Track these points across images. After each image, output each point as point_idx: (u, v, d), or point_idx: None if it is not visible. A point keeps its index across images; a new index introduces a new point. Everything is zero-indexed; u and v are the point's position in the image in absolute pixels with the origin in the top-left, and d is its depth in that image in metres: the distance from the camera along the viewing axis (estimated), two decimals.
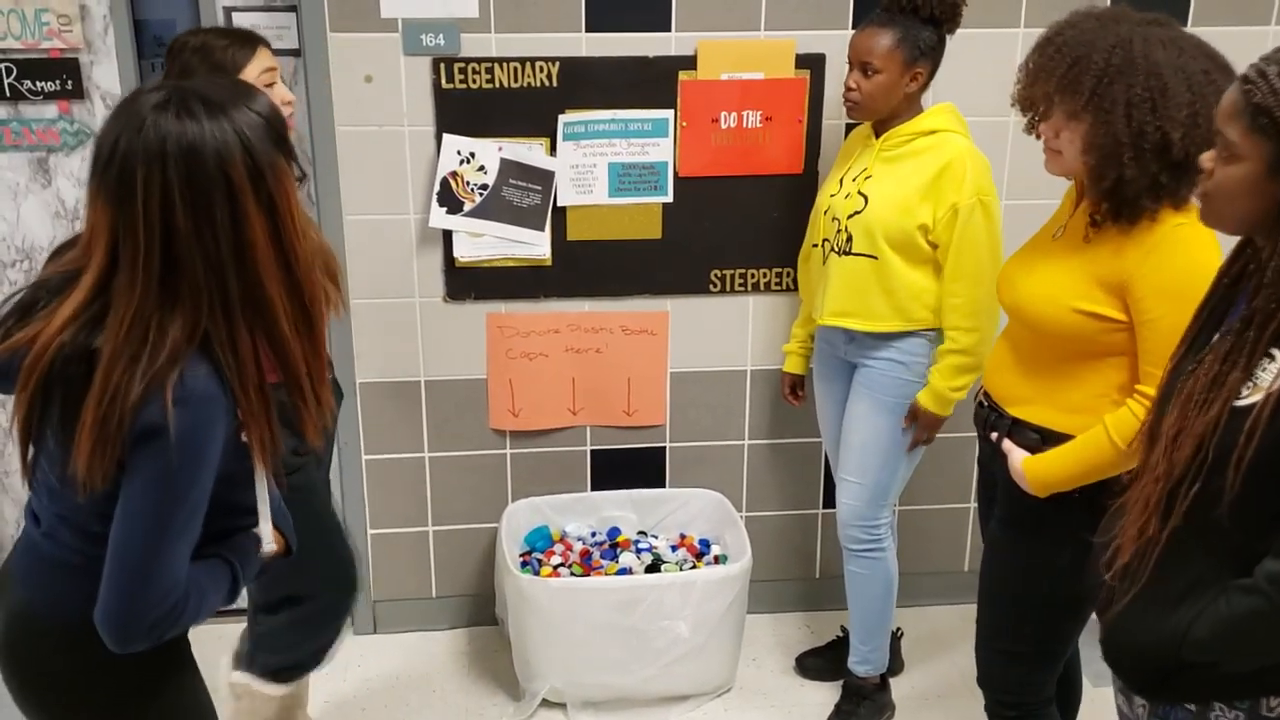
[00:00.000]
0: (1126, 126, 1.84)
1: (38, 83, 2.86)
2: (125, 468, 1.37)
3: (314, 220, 2.43)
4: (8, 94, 2.86)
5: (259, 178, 1.36)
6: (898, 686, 3.04)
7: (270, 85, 2.22)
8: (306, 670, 2.60)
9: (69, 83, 2.86)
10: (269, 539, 1.59)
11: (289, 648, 2.53)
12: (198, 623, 1.50)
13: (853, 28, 2.87)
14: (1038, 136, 2.04)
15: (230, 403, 1.40)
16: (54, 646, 1.54)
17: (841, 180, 2.67)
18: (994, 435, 2.14)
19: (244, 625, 2.63)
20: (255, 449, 1.45)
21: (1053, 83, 1.91)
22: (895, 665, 3.08)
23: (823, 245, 2.70)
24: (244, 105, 1.39)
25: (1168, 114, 1.83)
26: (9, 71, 2.84)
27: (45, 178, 2.95)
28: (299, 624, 2.49)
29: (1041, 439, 2.05)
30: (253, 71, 2.19)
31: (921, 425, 2.66)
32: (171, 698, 1.62)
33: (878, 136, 2.62)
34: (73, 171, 2.94)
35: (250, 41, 2.23)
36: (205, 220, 1.34)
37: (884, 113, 2.56)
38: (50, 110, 2.90)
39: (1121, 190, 1.88)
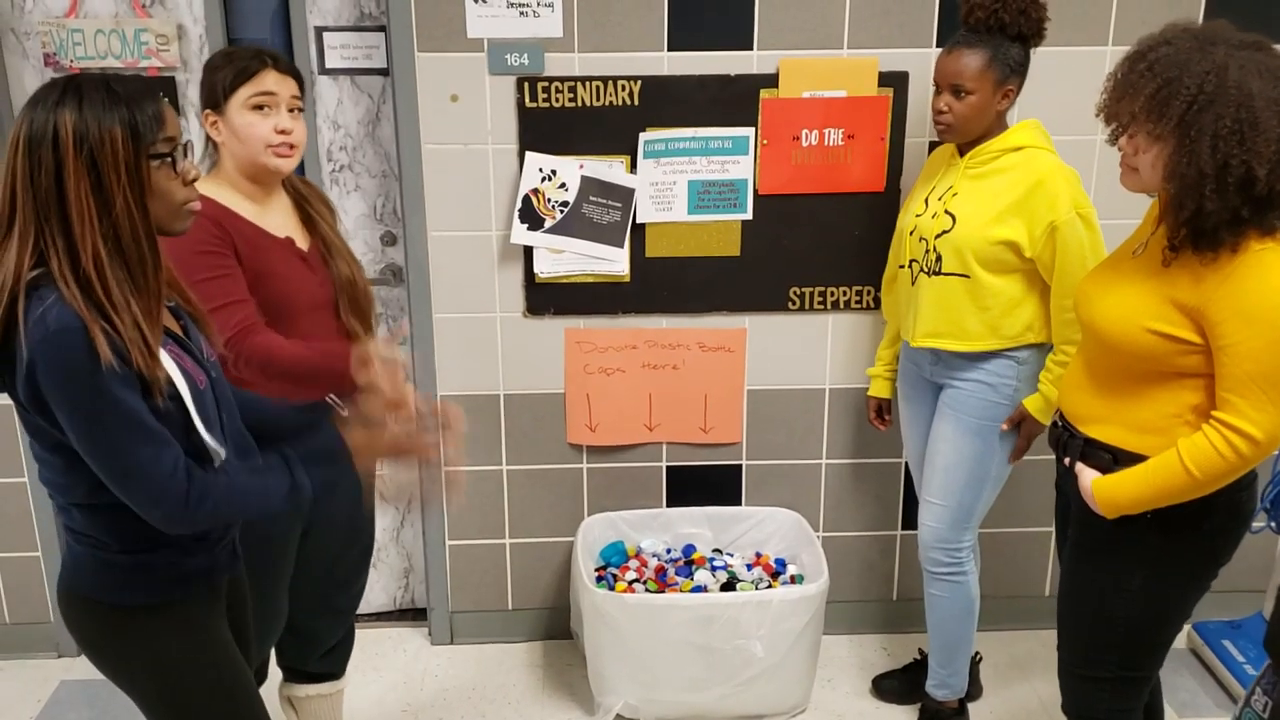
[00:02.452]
0: (1211, 158, 1.79)
1: None
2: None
3: (347, 251, 2.42)
4: None
5: (79, 144, 1.55)
6: (976, 712, 3.00)
7: (261, 109, 2.19)
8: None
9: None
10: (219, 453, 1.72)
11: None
12: (246, 511, 1.75)
13: (937, 46, 2.85)
14: (1120, 149, 2.00)
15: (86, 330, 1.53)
16: (78, 613, 1.79)
17: (927, 200, 2.64)
18: (1066, 460, 2.11)
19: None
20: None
21: (1139, 101, 1.85)
22: (974, 690, 3.03)
23: (910, 266, 2.67)
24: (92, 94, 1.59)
25: (1255, 149, 1.77)
26: None
27: None
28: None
29: (1113, 459, 2.01)
30: (245, 92, 2.18)
31: (1025, 433, 2.64)
32: (176, 656, 1.80)
33: (962, 155, 2.59)
34: None
35: (258, 58, 2.20)
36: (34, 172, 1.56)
37: (977, 133, 2.53)
38: None
39: (1200, 222, 1.83)
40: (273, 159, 2.22)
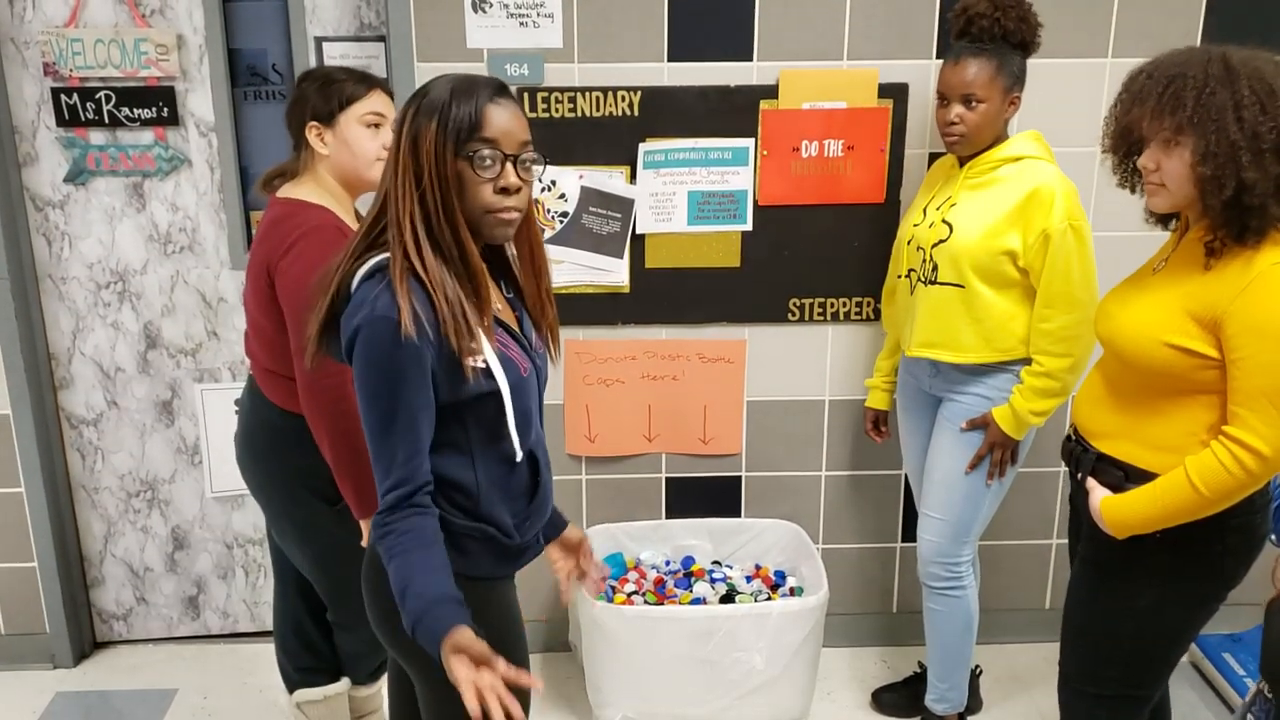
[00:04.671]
0: (1239, 128, 1.77)
1: (135, 110, 2.95)
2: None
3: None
4: (106, 120, 2.95)
5: (410, 134, 1.66)
6: None
7: (372, 126, 2.30)
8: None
9: (165, 110, 2.96)
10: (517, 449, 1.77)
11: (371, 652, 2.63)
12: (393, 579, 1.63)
13: (937, 57, 2.85)
14: (1131, 189, 2.00)
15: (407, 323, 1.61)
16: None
17: (925, 210, 2.64)
18: (1078, 474, 2.10)
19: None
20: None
21: (1150, 103, 1.84)
22: (974, 704, 3.02)
23: (909, 276, 2.67)
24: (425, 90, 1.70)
25: (1279, 113, 1.76)
26: (108, 99, 2.94)
27: (140, 202, 3.03)
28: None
29: (1125, 476, 1.99)
30: (359, 110, 2.28)
31: (987, 440, 2.61)
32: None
33: (962, 165, 2.59)
34: (166, 196, 3.03)
35: (366, 81, 2.32)
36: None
37: (987, 142, 2.53)
38: (146, 136, 2.98)
39: (1245, 199, 1.79)
40: (377, 172, 2.32)
